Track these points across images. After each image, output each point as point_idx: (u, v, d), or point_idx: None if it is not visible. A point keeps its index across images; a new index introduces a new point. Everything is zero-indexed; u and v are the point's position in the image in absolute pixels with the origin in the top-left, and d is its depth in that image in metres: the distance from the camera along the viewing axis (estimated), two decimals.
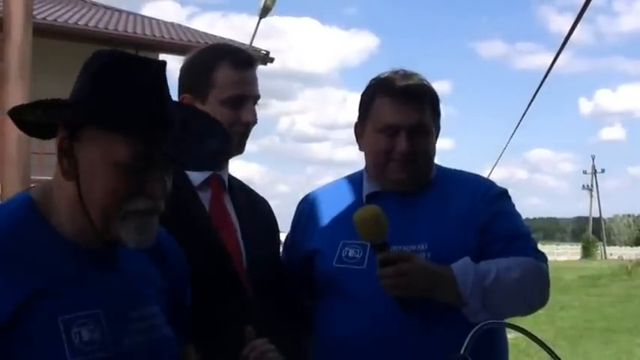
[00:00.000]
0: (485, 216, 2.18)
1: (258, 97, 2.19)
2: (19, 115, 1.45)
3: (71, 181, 1.42)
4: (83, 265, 1.46)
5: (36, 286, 1.37)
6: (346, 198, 2.33)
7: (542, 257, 2.21)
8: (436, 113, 2.26)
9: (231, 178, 2.27)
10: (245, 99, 2.13)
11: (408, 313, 2.02)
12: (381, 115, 2.21)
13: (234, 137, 2.09)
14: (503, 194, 2.29)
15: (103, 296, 1.45)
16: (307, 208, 2.39)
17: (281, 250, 2.43)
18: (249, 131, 2.18)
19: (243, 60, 2.17)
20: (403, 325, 2.04)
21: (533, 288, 2.17)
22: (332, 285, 2.19)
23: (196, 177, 2.14)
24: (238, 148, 2.17)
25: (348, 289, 2.14)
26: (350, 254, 2.18)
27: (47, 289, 1.38)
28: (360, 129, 2.29)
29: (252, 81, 2.17)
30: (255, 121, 2.17)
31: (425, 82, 2.26)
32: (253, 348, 1.85)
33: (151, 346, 1.51)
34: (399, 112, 2.18)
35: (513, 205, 2.31)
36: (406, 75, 2.25)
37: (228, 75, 2.11)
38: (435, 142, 2.27)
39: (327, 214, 2.32)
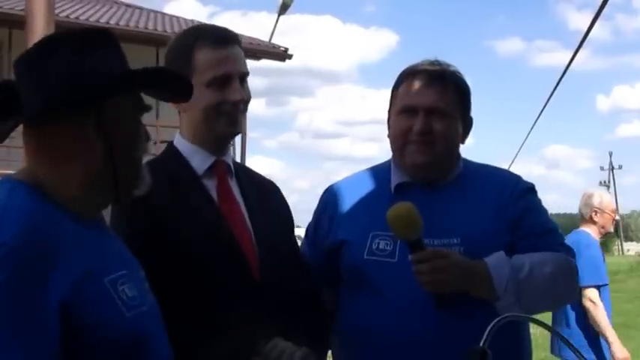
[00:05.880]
0: (514, 211, 2.16)
1: (244, 73, 2.07)
2: None
3: (98, 153, 1.49)
4: (98, 234, 1.54)
5: (82, 262, 1.42)
6: (374, 188, 2.29)
7: (571, 252, 2.21)
8: (463, 103, 2.23)
9: (236, 164, 2.19)
10: (229, 78, 2.02)
11: (443, 307, 2.01)
12: (402, 96, 2.21)
13: (224, 117, 2.04)
14: (531, 189, 2.27)
15: (120, 259, 1.55)
16: (333, 198, 2.33)
17: (300, 241, 2.35)
18: (240, 110, 2.06)
19: (220, 38, 2.05)
20: (435, 318, 2.02)
21: (565, 283, 2.16)
22: (362, 277, 2.15)
23: (200, 165, 2.07)
24: (232, 128, 2.08)
25: (379, 282, 2.11)
26: (380, 246, 2.13)
27: (85, 255, 1.43)
28: (388, 115, 2.28)
29: (234, 58, 2.04)
30: (244, 99, 2.05)
31: (453, 70, 2.24)
32: (275, 346, 1.80)
33: (155, 304, 1.61)
34: (417, 92, 2.17)
35: (540, 201, 2.29)
36: (435, 62, 2.24)
37: (207, 56, 2.01)
38: (459, 130, 2.22)
39: (355, 204, 2.27)
